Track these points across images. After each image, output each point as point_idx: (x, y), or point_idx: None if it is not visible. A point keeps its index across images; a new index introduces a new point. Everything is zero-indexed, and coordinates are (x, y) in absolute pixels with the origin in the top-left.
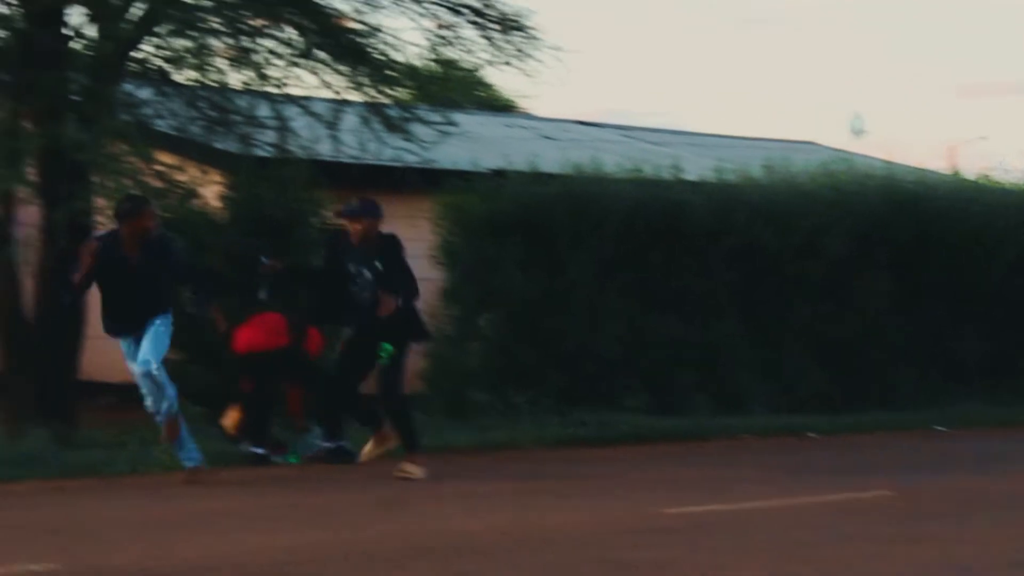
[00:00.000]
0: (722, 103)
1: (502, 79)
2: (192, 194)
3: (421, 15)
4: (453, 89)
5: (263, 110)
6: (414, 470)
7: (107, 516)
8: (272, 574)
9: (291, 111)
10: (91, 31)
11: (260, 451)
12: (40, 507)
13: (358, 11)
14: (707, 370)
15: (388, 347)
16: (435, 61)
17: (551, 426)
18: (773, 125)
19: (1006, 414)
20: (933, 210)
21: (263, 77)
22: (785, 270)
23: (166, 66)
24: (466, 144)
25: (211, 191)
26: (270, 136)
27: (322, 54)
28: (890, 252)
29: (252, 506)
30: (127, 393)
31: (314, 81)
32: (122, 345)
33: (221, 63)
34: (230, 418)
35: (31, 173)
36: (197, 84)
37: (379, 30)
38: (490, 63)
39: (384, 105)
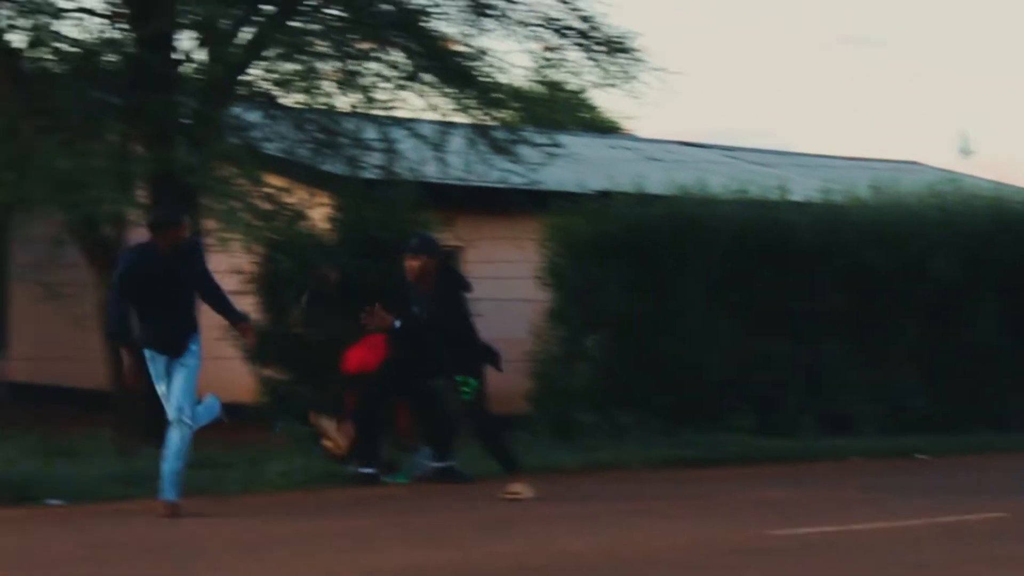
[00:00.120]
0: (827, 123)
1: (607, 100)
2: (300, 216)
3: (527, 38)
4: (558, 111)
5: (370, 132)
6: (521, 489)
7: (217, 535)
8: None
9: (398, 133)
10: (201, 55)
11: (370, 471)
12: (151, 526)
13: (464, 34)
14: (815, 391)
15: (471, 381)
16: (541, 83)
17: (657, 447)
18: (879, 146)
19: None
20: None
21: (370, 100)
22: (893, 291)
23: (274, 89)
24: (572, 165)
25: (318, 213)
26: (377, 158)
27: (429, 77)
28: (998, 273)
29: (362, 526)
30: (235, 413)
31: (421, 103)
32: (151, 366)
33: (329, 86)
34: (339, 440)
35: (141, 196)
36: (305, 107)
37: (485, 53)
38: (595, 85)
39: (490, 127)
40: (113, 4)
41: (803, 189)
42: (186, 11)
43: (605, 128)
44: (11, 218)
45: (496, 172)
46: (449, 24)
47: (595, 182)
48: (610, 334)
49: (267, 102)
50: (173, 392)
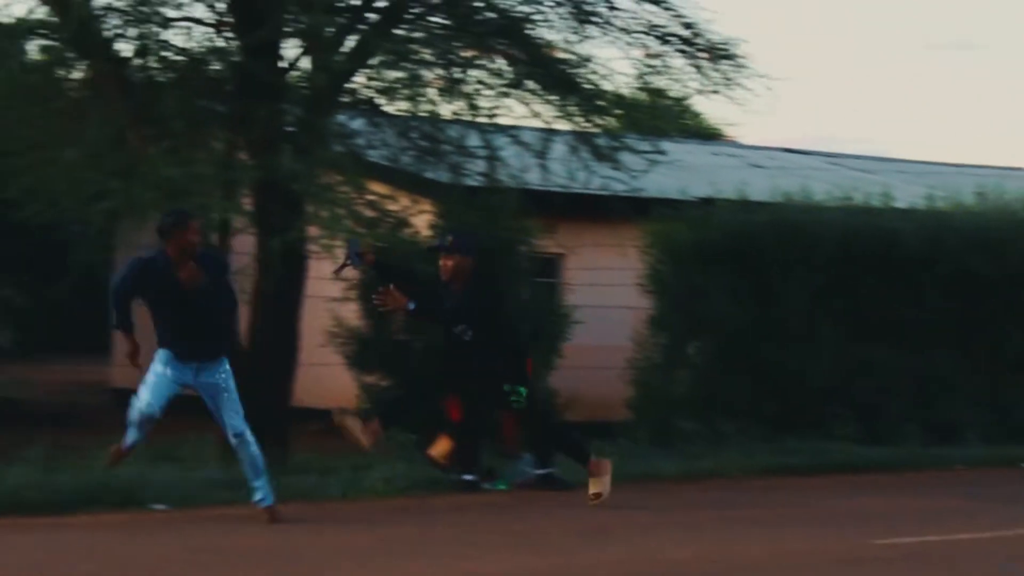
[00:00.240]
0: (931, 129)
1: (709, 107)
2: (403, 223)
3: (630, 45)
4: (661, 117)
5: (473, 139)
6: (601, 486)
7: (320, 541)
8: None
9: (501, 140)
10: (306, 63)
11: (470, 478)
12: (254, 531)
13: (567, 41)
14: (919, 399)
15: (520, 389)
16: (643, 90)
17: (759, 454)
18: (983, 151)
19: None
20: None
21: (473, 107)
22: (998, 297)
23: (378, 97)
24: (674, 172)
25: (421, 220)
26: (480, 165)
27: (532, 84)
28: None
29: (463, 532)
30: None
31: (523, 111)
32: (164, 366)
33: (432, 94)
34: (440, 447)
35: (247, 203)
36: (409, 114)
37: (588, 60)
38: (698, 92)
39: (593, 134)
40: (220, 13)
41: (907, 196)
42: (292, 20)
43: (708, 135)
44: (117, 225)
45: (598, 179)
46: (552, 31)
47: (698, 189)
48: (712, 341)
49: (371, 110)
50: (225, 418)
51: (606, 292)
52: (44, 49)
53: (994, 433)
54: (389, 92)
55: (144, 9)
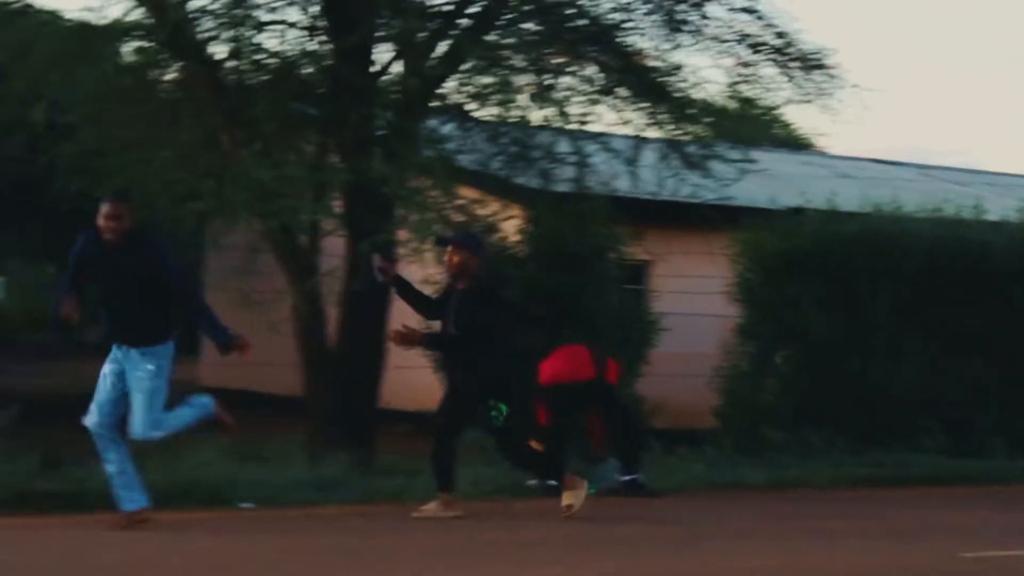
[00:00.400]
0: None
1: (800, 117)
2: (492, 228)
3: (721, 53)
4: (751, 126)
5: (563, 146)
6: (572, 498)
7: (406, 542)
8: None
9: (590, 147)
10: (397, 68)
11: (555, 483)
12: (341, 531)
13: (659, 49)
14: (1008, 412)
15: (502, 407)
16: (734, 98)
17: (846, 465)
18: None
19: None
20: None
21: (564, 113)
22: None
23: (469, 102)
24: (764, 181)
25: (510, 225)
26: (569, 171)
27: (623, 91)
28: None
29: (547, 537)
30: (422, 421)
31: (614, 117)
32: (107, 364)
33: (523, 99)
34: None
35: (337, 206)
36: (499, 120)
37: (679, 68)
38: (789, 101)
39: (683, 142)
40: (313, 17)
41: (999, 208)
42: (384, 24)
43: (798, 144)
44: (209, 226)
45: (688, 187)
46: (643, 39)
47: (787, 198)
48: (799, 351)
49: (461, 115)
50: (133, 411)
51: (694, 300)
52: (138, 51)
53: None
54: (480, 97)
55: (238, 12)
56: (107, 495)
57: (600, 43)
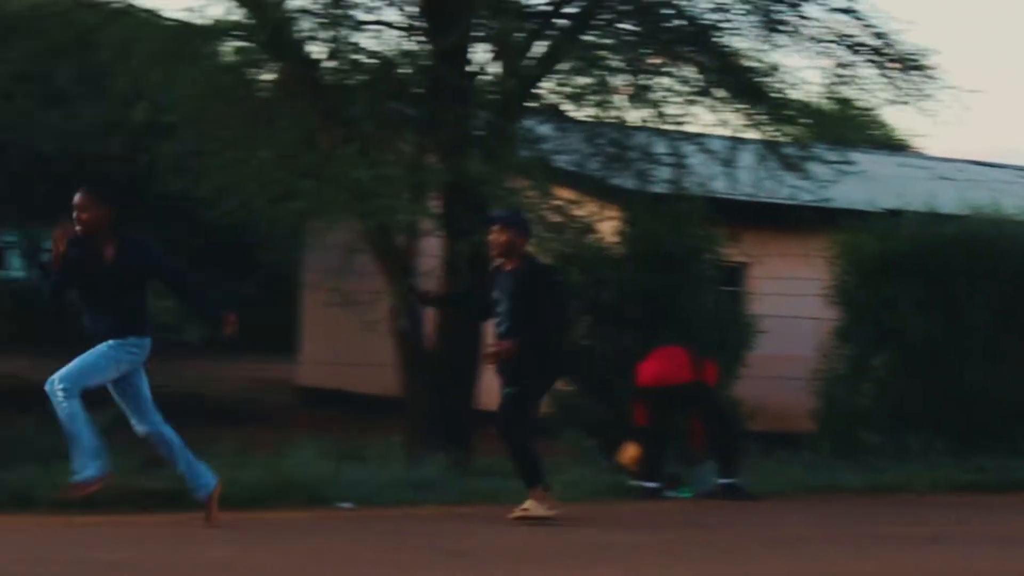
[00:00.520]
0: None
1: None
2: (589, 229)
3: (819, 54)
4: (849, 127)
5: (660, 147)
6: (534, 507)
7: (500, 542)
8: None
9: (687, 148)
10: (495, 68)
11: (653, 485)
12: (440, 530)
13: (756, 49)
14: None
15: (508, 389)
16: (831, 99)
17: (944, 469)
18: None
19: None
20: None
21: (661, 114)
22: None
23: (566, 103)
24: (861, 183)
25: (607, 226)
26: (666, 172)
27: (720, 92)
28: None
29: (643, 540)
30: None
31: (710, 118)
32: None
33: (620, 100)
34: (628, 453)
35: (435, 206)
36: (595, 120)
37: (777, 68)
38: (887, 102)
39: (781, 143)
40: (410, 17)
41: None
42: (482, 25)
43: (896, 146)
44: (307, 226)
45: (785, 188)
46: (741, 39)
47: (885, 200)
48: (898, 354)
49: (557, 115)
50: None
51: (791, 302)
52: (238, 51)
53: None
54: (577, 98)
55: (337, 12)
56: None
57: (697, 43)
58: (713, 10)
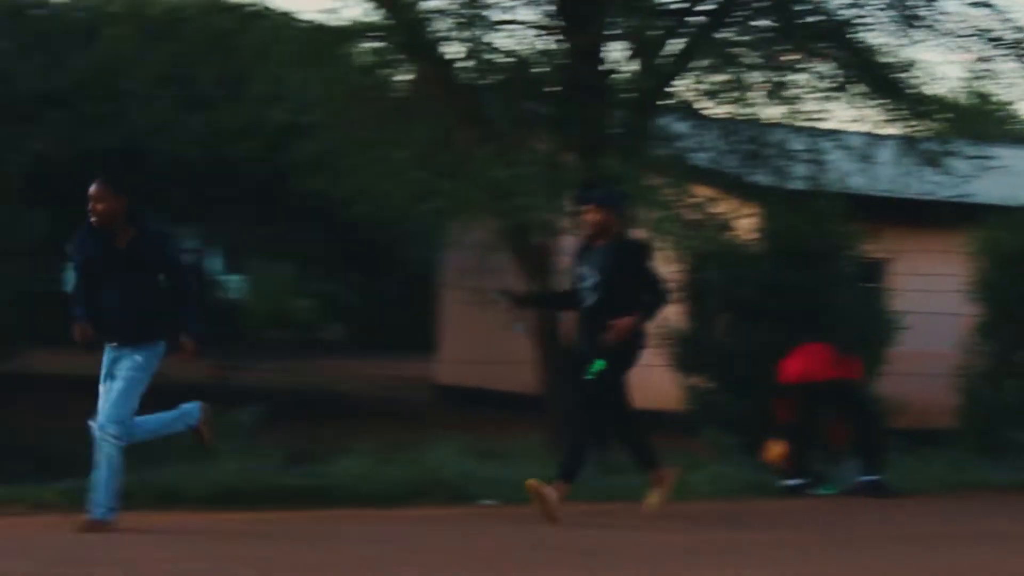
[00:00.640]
0: None
1: None
2: (726, 226)
3: (957, 48)
4: (988, 122)
5: (797, 143)
6: (550, 494)
7: (642, 540)
8: None
9: (825, 144)
10: (631, 66)
11: (794, 483)
12: (581, 529)
13: (893, 45)
14: None
15: (599, 363)
16: (970, 94)
17: None
18: None
19: None
20: None
21: (798, 111)
22: None
23: (702, 100)
24: (1001, 178)
25: (745, 224)
26: (804, 169)
27: (857, 87)
28: None
29: (784, 538)
30: (659, 420)
31: (847, 114)
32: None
33: (756, 97)
34: (774, 451)
35: (571, 204)
36: (732, 117)
37: (914, 63)
38: None
39: (920, 139)
40: (546, 16)
41: None
42: (617, 23)
43: None
44: (445, 225)
45: (925, 184)
46: (877, 35)
47: None
48: None
49: (693, 113)
50: (106, 403)
51: (932, 298)
52: (374, 51)
53: None
54: (712, 95)
55: (472, 12)
56: (352, 490)
57: (833, 39)
58: (849, 5)
